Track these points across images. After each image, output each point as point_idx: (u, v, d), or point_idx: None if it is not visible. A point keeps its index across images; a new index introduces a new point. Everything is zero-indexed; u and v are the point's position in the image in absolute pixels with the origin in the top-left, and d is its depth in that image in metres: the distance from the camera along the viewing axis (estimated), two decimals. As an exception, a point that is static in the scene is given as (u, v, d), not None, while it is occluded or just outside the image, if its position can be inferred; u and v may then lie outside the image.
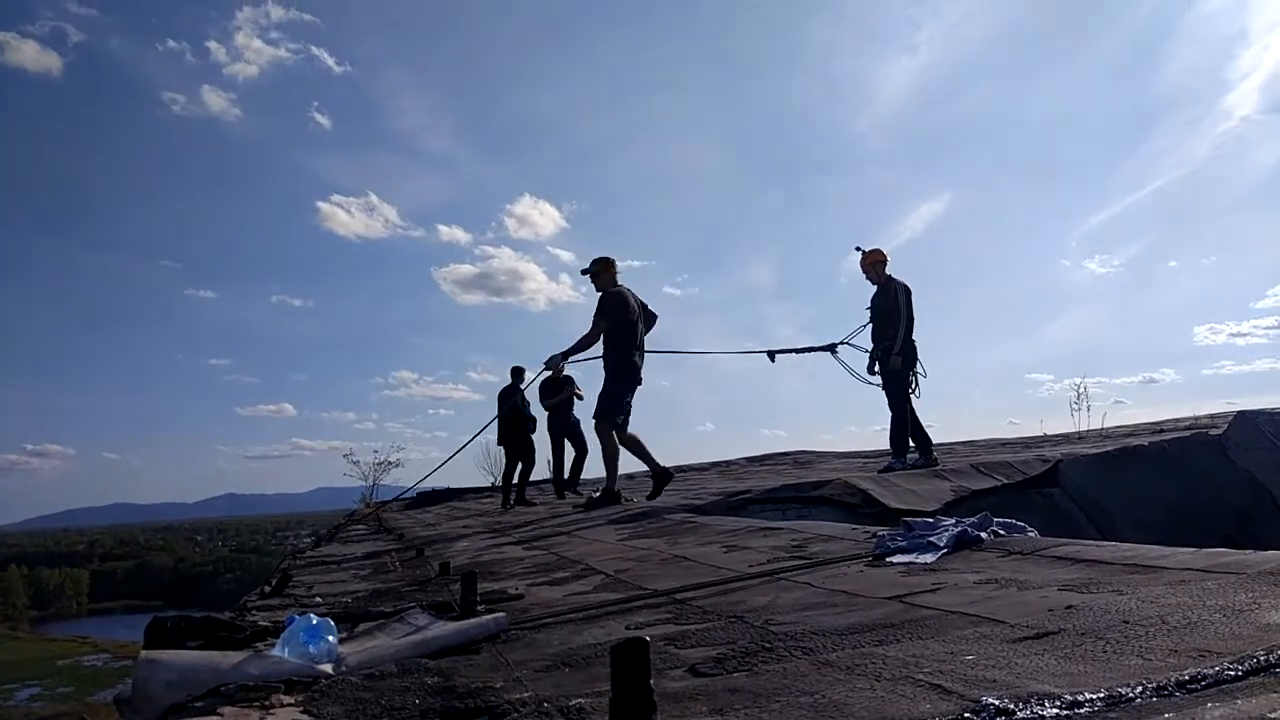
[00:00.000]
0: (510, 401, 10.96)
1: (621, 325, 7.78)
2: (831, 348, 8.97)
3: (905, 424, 8.47)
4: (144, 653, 2.29)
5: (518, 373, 11.41)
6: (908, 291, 8.49)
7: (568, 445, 11.57)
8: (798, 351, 9.18)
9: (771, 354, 9.12)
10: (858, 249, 8.83)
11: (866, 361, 8.73)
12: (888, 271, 8.66)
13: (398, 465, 15.90)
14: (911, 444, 8.58)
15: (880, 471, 7.95)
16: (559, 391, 11.30)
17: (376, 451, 17.39)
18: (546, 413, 11.44)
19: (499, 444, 11.58)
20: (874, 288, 8.72)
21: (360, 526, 10.76)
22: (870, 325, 8.72)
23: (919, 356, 8.53)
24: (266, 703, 1.99)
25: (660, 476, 8.03)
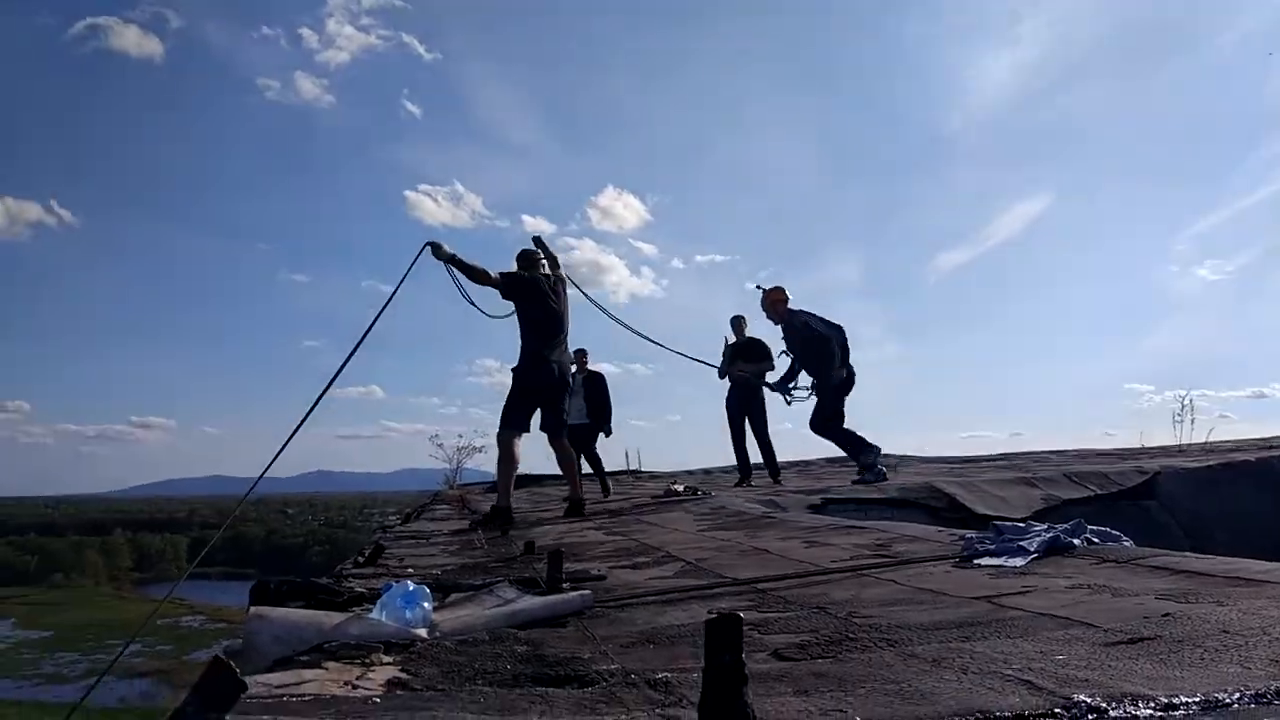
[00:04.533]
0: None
1: (527, 310, 6.53)
2: (783, 391, 8.94)
3: (847, 437, 8.45)
4: (253, 609, 2.44)
5: (581, 354, 9.44)
6: (811, 315, 8.55)
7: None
8: (779, 389, 9.02)
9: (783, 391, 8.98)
10: (757, 287, 8.81)
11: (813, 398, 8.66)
12: (789, 308, 8.66)
13: (481, 450, 16.21)
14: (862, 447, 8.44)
15: (853, 483, 7.97)
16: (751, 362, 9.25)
17: (460, 436, 17.75)
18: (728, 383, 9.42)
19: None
20: (777, 328, 8.73)
21: (444, 507, 11.05)
22: (797, 364, 8.75)
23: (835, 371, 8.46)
24: (368, 660, 2.10)
25: (574, 504, 6.85)
